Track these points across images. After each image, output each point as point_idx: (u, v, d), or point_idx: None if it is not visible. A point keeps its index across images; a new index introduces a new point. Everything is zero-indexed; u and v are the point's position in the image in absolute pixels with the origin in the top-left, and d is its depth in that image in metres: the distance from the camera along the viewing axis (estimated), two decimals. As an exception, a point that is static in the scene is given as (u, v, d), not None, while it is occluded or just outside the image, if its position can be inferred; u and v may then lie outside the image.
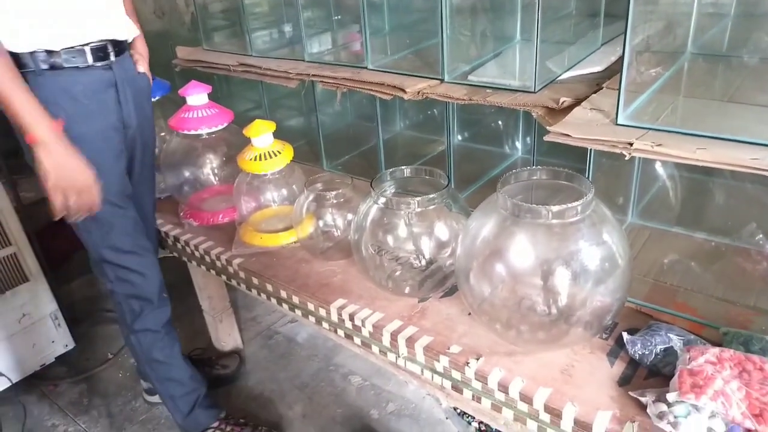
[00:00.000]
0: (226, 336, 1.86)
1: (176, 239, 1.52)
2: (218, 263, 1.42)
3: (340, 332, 1.20)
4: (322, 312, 1.21)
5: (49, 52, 1.10)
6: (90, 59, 1.15)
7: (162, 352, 1.41)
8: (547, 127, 0.99)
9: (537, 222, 0.91)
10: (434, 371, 1.06)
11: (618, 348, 0.99)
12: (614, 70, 1.28)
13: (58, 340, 1.87)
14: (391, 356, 1.12)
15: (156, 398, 1.68)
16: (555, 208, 0.89)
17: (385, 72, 1.45)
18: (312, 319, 1.25)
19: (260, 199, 1.43)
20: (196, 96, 1.48)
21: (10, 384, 1.73)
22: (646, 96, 1.08)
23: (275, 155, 1.38)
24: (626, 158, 0.91)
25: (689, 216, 1.29)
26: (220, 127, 1.50)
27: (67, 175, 1.09)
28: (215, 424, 1.51)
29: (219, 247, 1.43)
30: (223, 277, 1.46)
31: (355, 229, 1.15)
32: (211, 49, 1.90)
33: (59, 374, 1.87)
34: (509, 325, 0.97)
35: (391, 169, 1.18)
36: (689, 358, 0.88)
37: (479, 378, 0.98)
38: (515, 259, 0.93)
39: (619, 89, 0.96)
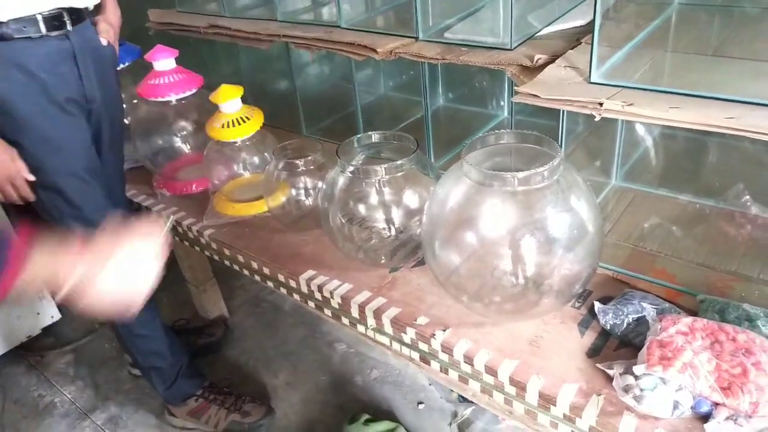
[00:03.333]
0: (211, 305, 1.85)
1: (149, 210, 1.48)
2: (190, 234, 1.39)
3: (311, 303, 1.18)
4: (293, 283, 1.18)
5: None
6: (43, 29, 1.07)
7: (144, 326, 1.39)
8: (515, 88, 0.93)
9: (503, 189, 0.86)
10: (402, 343, 1.03)
11: (590, 317, 0.96)
12: (597, 23, 1.21)
13: (44, 312, 1.86)
14: (361, 328, 1.10)
15: (141, 371, 1.68)
16: (520, 175, 0.84)
17: (358, 31, 1.38)
18: (284, 290, 1.22)
19: (231, 167, 1.39)
20: (163, 61, 1.42)
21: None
22: (624, 51, 1.01)
23: (244, 121, 1.32)
24: (596, 119, 0.85)
25: (675, 177, 1.24)
26: (189, 93, 1.44)
27: None
28: (198, 392, 1.51)
29: (191, 218, 1.40)
30: (197, 248, 1.43)
31: (323, 199, 1.11)
32: (185, 11, 1.83)
33: (46, 345, 1.88)
34: (477, 296, 0.93)
35: (358, 135, 1.13)
36: (660, 329, 0.85)
37: (445, 350, 0.95)
38: (481, 228, 0.89)
39: (592, 45, 0.89)
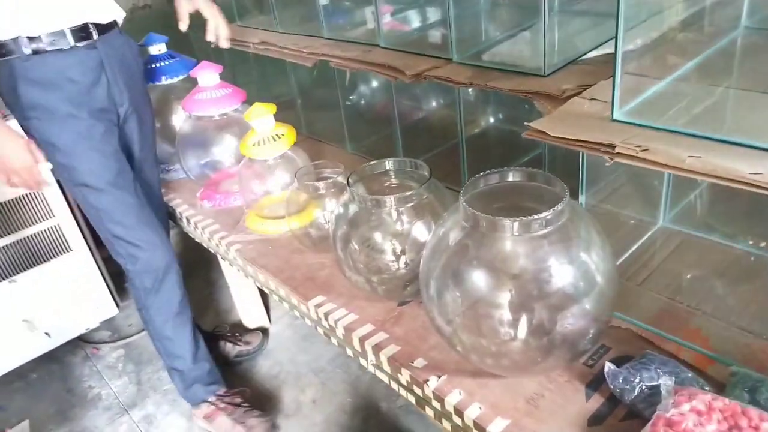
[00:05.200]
0: (252, 313, 1.88)
1: (188, 220, 1.53)
2: (220, 248, 1.41)
3: (320, 330, 1.16)
4: (304, 308, 1.16)
5: (31, 38, 1.11)
6: (71, 41, 1.16)
7: (173, 329, 1.44)
8: (526, 122, 0.86)
9: (501, 235, 0.79)
10: (399, 383, 0.98)
11: (601, 378, 0.86)
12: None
13: (102, 306, 1.97)
14: (363, 361, 1.06)
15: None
16: (520, 221, 0.77)
17: (395, 50, 1.35)
18: (297, 313, 1.21)
19: (263, 184, 1.39)
20: (206, 76, 1.46)
21: (57, 345, 1.87)
22: (665, 83, 0.91)
23: (276, 139, 1.33)
24: (607, 164, 0.76)
25: (731, 222, 1.09)
26: (230, 109, 1.47)
27: (2, 159, 1.12)
28: (211, 399, 1.55)
29: (223, 231, 1.42)
30: (227, 263, 1.45)
31: (334, 227, 1.08)
32: (244, 26, 1.88)
33: (103, 338, 2.00)
34: (472, 348, 0.86)
35: (372, 162, 1.09)
36: (672, 403, 0.75)
37: (437, 398, 0.89)
38: (476, 276, 0.82)
39: (614, 79, 0.80)
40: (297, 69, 1.82)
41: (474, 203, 0.82)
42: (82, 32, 1.17)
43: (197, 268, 2.24)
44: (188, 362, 1.47)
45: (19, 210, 1.72)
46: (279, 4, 1.71)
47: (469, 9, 1.27)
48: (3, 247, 1.71)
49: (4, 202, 1.68)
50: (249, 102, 1.45)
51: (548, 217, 0.76)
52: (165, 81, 1.65)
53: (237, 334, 1.83)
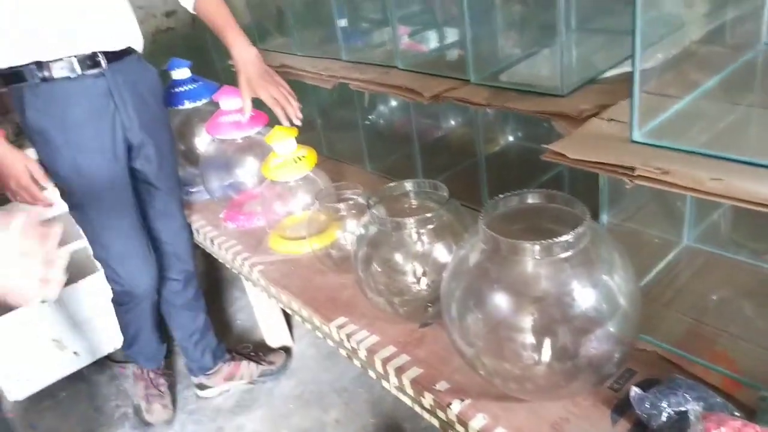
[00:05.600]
0: (275, 332, 1.89)
1: (212, 241, 1.55)
2: (243, 268, 1.43)
3: (342, 351, 1.16)
4: (326, 329, 1.17)
5: (39, 64, 1.16)
6: (78, 69, 1.19)
7: (135, 334, 1.60)
8: (544, 144, 0.86)
9: (522, 259, 0.79)
10: (422, 407, 0.98)
11: (627, 403, 0.85)
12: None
13: (129, 326, 2.01)
14: (386, 384, 1.06)
15: (207, 393, 1.76)
16: (541, 244, 0.77)
17: (413, 72, 1.36)
18: (320, 334, 1.22)
19: (285, 206, 1.41)
20: (228, 101, 1.49)
21: (85, 364, 1.90)
22: (685, 103, 0.90)
23: (297, 161, 1.35)
24: (628, 187, 0.76)
25: (758, 240, 1.07)
26: (253, 131, 1.50)
27: None
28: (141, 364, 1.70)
29: (246, 252, 1.44)
30: (250, 283, 1.47)
31: (355, 249, 1.09)
32: (265, 49, 1.91)
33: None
34: (495, 372, 0.86)
35: (391, 184, 1.10)
36: (701, 430, 0.73)
37: (461, 423, 0.89)
38: (497, 300, 0.82)
39: (631, 100, 0.80)
40: (317, 91, 1.84)
41: (494, 225, 0.82)
42: (89, 61, 1.20)
43: (221, 287, 2.26)
44: (140, 352, 1.64)
45: (49, 232, 1.77)
46: (298, 26, 1.74)
47: (486, 29, 1.28)
48: (33, 269, 1.76)
49: (34, 226, 1.72)
50: (270, 125, 1.48)
51: (569, 240, 0.76)
52: (188, 105, 1.69)
53: (260, 354, 1.84)
